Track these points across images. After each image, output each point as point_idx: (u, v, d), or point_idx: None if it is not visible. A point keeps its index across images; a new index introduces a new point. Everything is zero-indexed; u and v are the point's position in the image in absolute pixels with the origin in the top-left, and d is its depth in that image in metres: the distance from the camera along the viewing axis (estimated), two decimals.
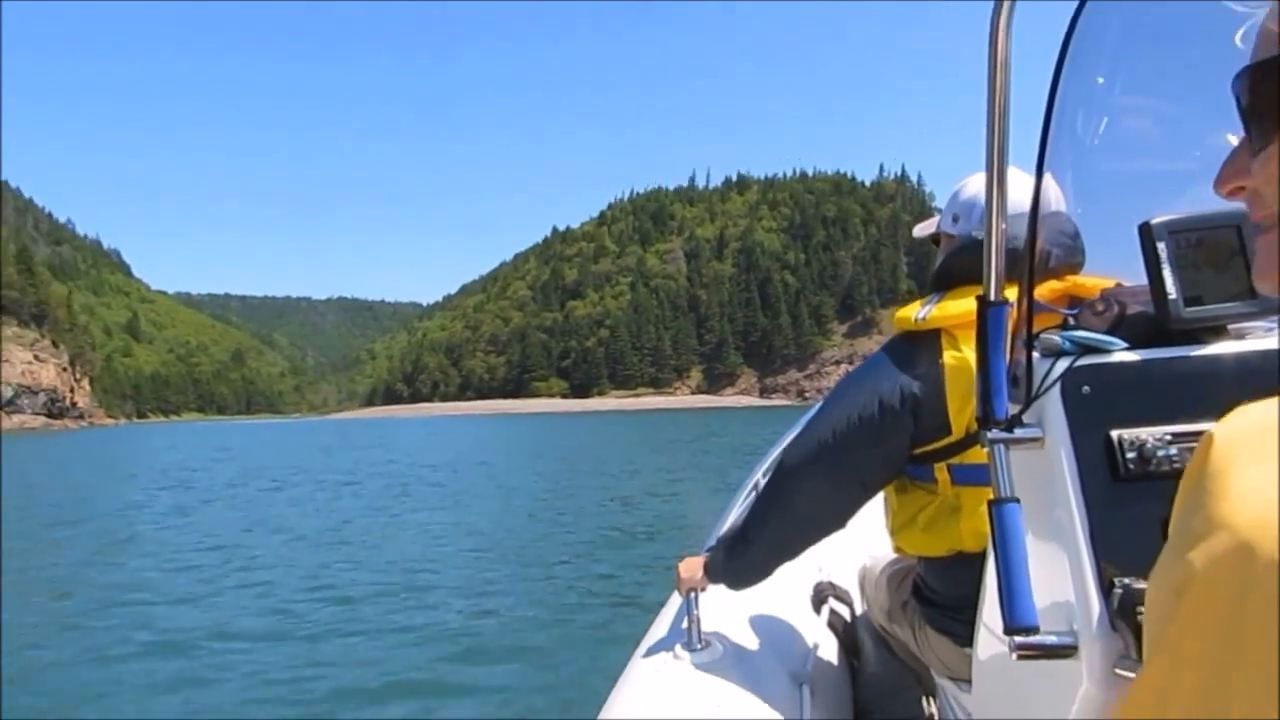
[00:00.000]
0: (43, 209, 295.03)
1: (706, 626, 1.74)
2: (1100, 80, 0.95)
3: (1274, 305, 0.97)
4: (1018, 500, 0.94)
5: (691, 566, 1.79)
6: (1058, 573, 0.94)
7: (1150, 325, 1.00)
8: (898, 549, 1.66)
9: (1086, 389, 0.96)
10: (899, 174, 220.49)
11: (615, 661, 1.99)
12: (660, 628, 1.89)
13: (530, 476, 20.25)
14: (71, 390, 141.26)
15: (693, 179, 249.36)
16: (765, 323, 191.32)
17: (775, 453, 2.44)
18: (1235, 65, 0.45)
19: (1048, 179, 0.99)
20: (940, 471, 1.48)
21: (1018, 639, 0.90)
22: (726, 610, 1.86)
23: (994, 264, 0.98)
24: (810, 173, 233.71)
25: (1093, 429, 0.95)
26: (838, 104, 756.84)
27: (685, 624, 1.74)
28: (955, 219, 1.64)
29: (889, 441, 1.47)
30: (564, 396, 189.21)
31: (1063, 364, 0.98)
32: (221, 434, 69.16)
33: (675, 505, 13.53)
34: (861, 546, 2.18)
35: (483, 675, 5.65)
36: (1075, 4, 0.84)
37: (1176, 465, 0.92)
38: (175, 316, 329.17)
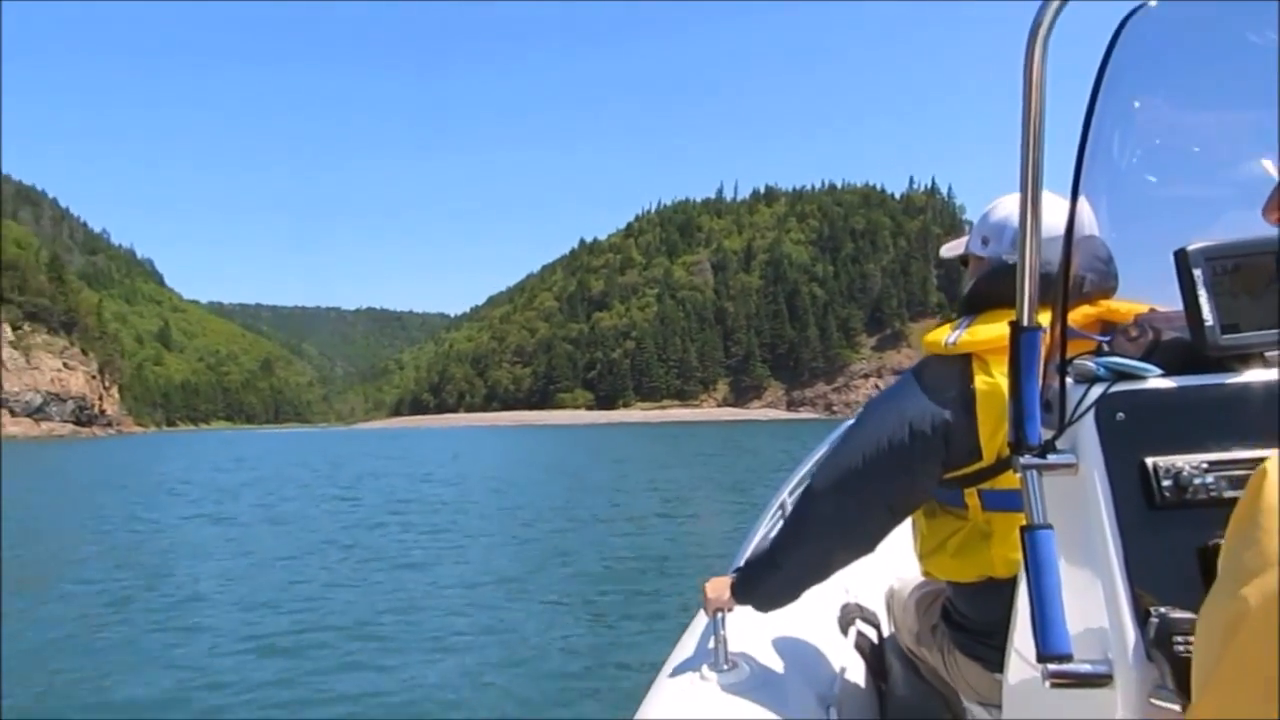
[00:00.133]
0: (79, 219, 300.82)
1: (733, 647, 1.73)
2: (1137, 104, 0.94)
3: None
4: (1051, 526, 0.92)
5: (718, 587, 1.77)
6: (1092, 601, 0.93)
7: (1185, 352, 0.99)
8: (926, 573, 1.65)
9: (1121, 415, 0.96)
10: (929, 186, 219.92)
11: (639, 681, 1.99)
12: (686, 647, 1.89)
13: (552, 491, 20.22)
14: (100, 398, 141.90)
15: (720, 191, 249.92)
16: (793, 335, 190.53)
17: (801, 471, 2.42)
18: (1273, 91, 0.44)
19: (1081, 202, 0.98)
20: (971, 497, 1.47)
21: (1051, 667, 0.89)
22: (753, 631, 1.85)
23: (1027, 288, 0.96)
24: (839, 185, 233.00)
25: (1127, 456, 0.94)
26: (868, 116, 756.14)
27: (712, 644, 1.73)
28: (985, 241, 1.62)
29: (918, 467, 1.45)
30: (589, 408, 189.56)
31: (1097, 390, 0.97)
32: (244, 443, 69.47)
33: (698, 524, 13.45)
34: (888, 568, 2.16)
35: (506, 690, 5.65)
36: (1114, 25, 0.83)
37: (1213, 494, 0.91)
38: (206, 325, 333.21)
